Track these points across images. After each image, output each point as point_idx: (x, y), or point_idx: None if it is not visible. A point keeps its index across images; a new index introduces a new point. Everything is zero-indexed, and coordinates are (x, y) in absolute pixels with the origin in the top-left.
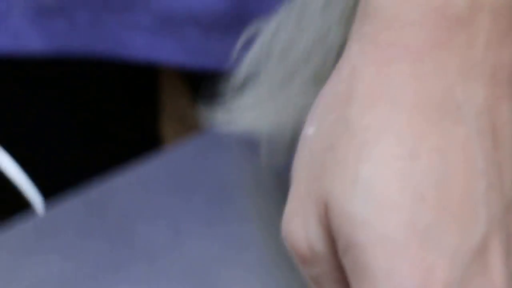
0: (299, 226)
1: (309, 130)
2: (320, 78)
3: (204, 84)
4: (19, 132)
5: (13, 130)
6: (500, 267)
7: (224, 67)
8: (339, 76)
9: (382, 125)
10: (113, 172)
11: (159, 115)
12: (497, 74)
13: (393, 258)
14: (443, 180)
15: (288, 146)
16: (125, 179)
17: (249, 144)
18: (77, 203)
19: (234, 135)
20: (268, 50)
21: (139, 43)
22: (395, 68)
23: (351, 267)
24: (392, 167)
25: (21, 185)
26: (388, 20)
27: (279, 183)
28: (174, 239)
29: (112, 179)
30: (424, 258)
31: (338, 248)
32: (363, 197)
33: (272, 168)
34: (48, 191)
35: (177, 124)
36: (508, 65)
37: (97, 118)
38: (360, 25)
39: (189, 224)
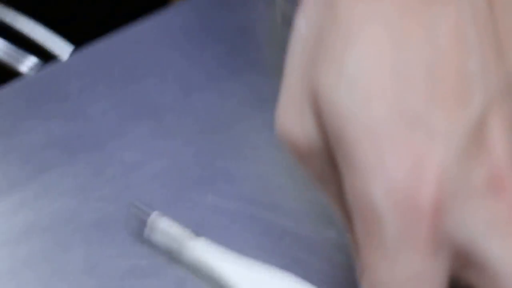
0: (295, 118)
1: (300, 22)
2: None
3: None
4: None
5: None
6: (502, 146)
7: None
8: None
9: (369, 13)
10: (119, 29)
11: None
12: None
13: (380, 150)
14: (433, 64)
15: None
16: (131, 34)
17: None
18: (82, 59)
19: None
20: None
21: None
22: None
23: (340, 162)
24: (378, 56)
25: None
26: None
27: None
28: (182, 94)
29: (118, 34)
30: (414, 145)
31: (329, 143)
32: (348, 88)
33: (287, 20)
34: None
35: None
36: None
37: None
38: None
39: (198, 79)
